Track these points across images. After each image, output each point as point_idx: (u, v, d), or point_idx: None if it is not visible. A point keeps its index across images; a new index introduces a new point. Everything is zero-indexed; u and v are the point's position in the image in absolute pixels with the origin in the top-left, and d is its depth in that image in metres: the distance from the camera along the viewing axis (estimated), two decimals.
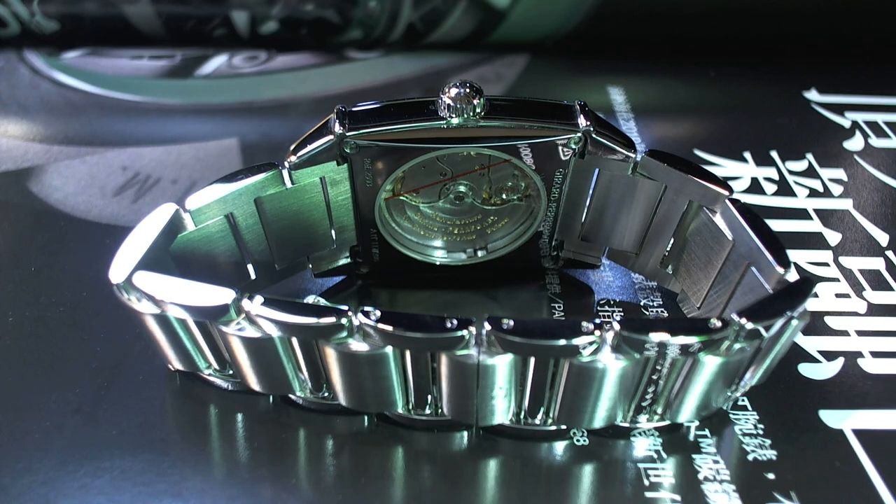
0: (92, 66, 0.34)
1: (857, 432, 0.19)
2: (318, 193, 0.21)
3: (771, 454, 0.18)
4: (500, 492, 0.18)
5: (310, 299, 0.17)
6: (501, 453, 0.18)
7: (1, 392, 0.19)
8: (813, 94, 0.33)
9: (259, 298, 0.17)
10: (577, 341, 0.16)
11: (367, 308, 0.16)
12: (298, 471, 0.18)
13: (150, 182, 0.27)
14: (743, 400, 0.20)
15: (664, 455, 0.18)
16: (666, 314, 0.22)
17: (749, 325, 0.16)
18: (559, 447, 0.19)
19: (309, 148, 0.20)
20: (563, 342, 0.16)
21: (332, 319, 0.16)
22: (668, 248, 0.22)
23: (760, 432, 0.19)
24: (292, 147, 0.20)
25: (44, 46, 0.35)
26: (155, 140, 0.30)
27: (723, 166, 0.29)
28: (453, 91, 0.19)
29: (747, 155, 0.29)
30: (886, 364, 0.21)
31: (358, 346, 0.17)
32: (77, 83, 0.33)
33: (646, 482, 0.18)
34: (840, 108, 0.32)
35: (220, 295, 0.17)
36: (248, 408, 0.19)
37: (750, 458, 0.18)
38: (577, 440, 0.19)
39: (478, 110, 0.19)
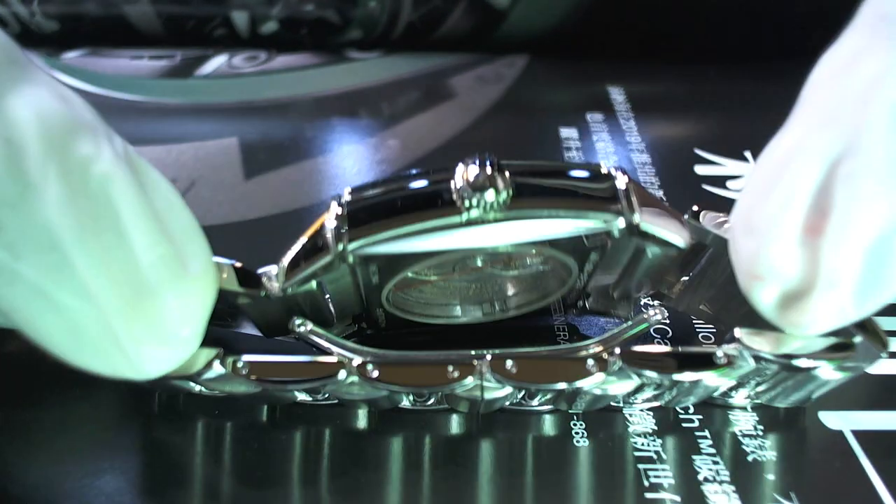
0: (92, 66, 0.34)
1: (857, 433, 0.19)
2: (314, 288, 0.18)
3: (771, 455, 0.18)
4: (499, 493, 0.18)
5: (297, 324, 0.17)
6: (501, 454, 0.18)
7: (0, 393, 0.19)
8: None
9: (242, 362, 0.17)
10: (580, 383, 0.16)
11: (365, 362, 0.17)
12: (298, 470, 0.18)
13: None
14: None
15: (664, 456, 0.18)
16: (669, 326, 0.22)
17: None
18: (559, 448, 0.19)
19: (305, 271, 0.17)
20: (565, 385, 0.17)
21: (323, 379, 0.17)
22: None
23: (760, 433, 0.19)
24: (285, 266, 0.17)
25: (44, 46, 0.35)
26: (155, 140, 0.30)
27: (723, 165, 0.29)
28: (471, 172, 0.16)
29: (748, 154, 0.29)
30: (886, 365, 0.21)
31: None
32: (77, 83, 0.33)
33: (646, 483, 0.18)
34: None
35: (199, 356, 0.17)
36: (246, 409, 0.19)
37: (749, 458, 0.18)
38: (577, 441, 0.19)
39: (501, 198, 0.15)
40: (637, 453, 0.18)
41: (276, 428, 0.19)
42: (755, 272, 0.15)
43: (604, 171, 0.16)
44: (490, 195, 0.15)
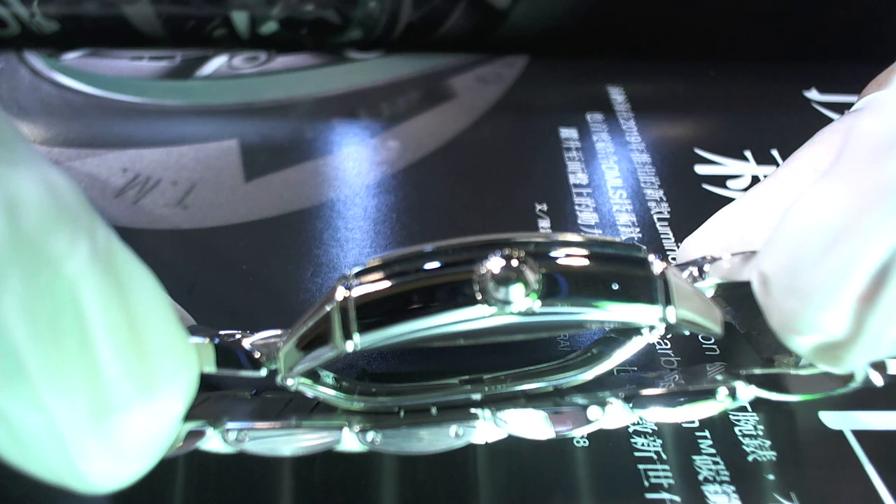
0: (92, 68, 0.34)
1: (857, 433, 0.19)
2: None
3: (771, 455, 0.18)
4: (499, 493, 0.18)
5: (286, 379, 0.16)
6: (501, 454, 0.18)
7: None
8: (813, 94, 0.33)
9: (235, 433, 0.16)
10: (582, 431, 0.17)
11: (366, 430, 0.16)
12: (294, 468, 0.18)
13: (150, 183, 0.27)
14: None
15: (664, 456, 0.18)
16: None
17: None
18: (559, 448, 0.19)
19: (307, 364, 0.16)
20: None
21: (322, 446, 0.16)
22: None
23: (760, 433, 0.19)
24: (284, 356, 0.16)
25: (44, 47, 0.35)
26: (155, 141, 0.30)
27: (723, 165, 0.29)
28: (496, 264, 0.14)
29: (748, 153, 0.29)
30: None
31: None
32: (77, 85, 0.33)
33: (646, 483, 0.18)
34: (840, 108, 0.32)
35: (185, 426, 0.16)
36: None
37: (750, 458, 0.18)
38: (577, 441, 0.19)
39: (531, 297, 0.14)
40: (637, 453, 0.18)
41: None
42: (796, 329, 0.16)
43: (639, 255, 0.15)
44: (518, 291, 0.14)
